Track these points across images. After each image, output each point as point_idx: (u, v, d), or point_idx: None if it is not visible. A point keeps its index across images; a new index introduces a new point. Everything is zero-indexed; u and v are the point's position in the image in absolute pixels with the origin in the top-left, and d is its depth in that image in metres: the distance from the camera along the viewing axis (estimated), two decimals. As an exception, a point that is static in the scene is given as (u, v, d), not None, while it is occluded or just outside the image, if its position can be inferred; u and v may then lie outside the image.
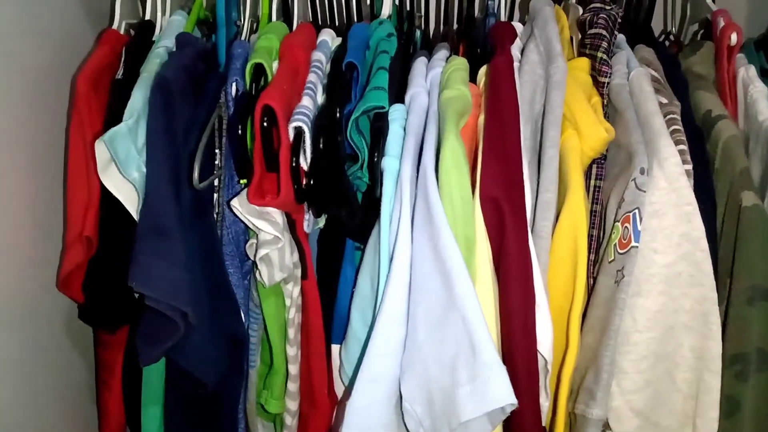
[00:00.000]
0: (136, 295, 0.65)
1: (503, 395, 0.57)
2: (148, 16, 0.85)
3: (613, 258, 0.70)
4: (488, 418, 0.60)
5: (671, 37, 0.96)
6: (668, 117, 0.71)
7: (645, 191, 0.68)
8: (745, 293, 0.66)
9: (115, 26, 0.84)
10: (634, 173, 0.69)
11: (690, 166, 0.69)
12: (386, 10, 0.86)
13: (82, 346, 0.89)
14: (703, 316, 0.67)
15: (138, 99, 0.67)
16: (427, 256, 0.65)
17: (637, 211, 0.68)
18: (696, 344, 0.68)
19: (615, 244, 0.70)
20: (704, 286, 0.67)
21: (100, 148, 0.64)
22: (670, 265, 0.67)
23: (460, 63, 0.75)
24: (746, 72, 0.80)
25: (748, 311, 0.66)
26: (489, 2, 0.87)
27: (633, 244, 0.67)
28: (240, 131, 0.67)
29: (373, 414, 0.65)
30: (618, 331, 0.67)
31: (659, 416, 0.69)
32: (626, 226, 0.69)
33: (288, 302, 0.82)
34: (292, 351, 0.84)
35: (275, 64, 0.74)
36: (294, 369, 0.85)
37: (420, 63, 0.78)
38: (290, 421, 0.87)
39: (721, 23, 0.82)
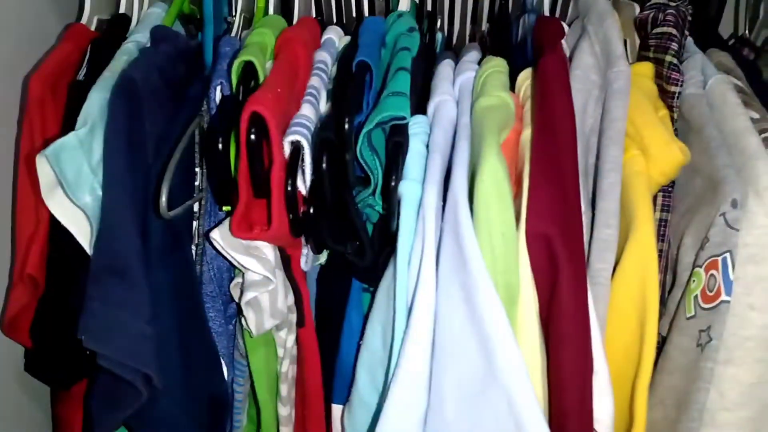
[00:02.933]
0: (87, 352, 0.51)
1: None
2: (122, 9, 0.72)
3: (693, 313, 0.56)
4: None
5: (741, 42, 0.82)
6: (763, 136, 0.57)
7: (738, 229, 0.53)
8: None
9: (84, 21, 0.71)
10: (723, 206, 0.54)
11: (796, 197, 0.54)
12: (403, 6, 0.72)
13: (39, 396, 0.75)
14: (812, 393, 0.52)
15: (94, 103, 0.53)
16: (458, 309, 0.51)
17: (728, 255, 0.53)
18: (803, 428, 0.53)
19: (696, 296, 0.56)
20: (814, 355, 0.52)
21: (43, 165, 0.50)
22: (771, 326, 0.52)
23: (499, 64, 0.61)
24: None
25: None
26: (528, -5, 0.74)
27: (723, 297, 0.53)
28: (221, 145, 0.53)
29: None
30: (703, 409, 0.52)
31: None
32: (712, 274, 0.54)
33: (281, 353, 0.68)
34: (285, 411, 0.70)
35: (269, 64, 0.60)
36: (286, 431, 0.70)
37: (446, 66, 0.65)
38: (283, 493, 0.72)
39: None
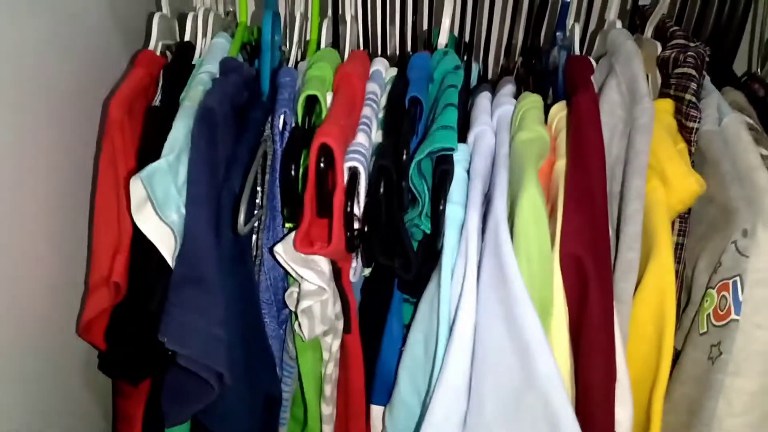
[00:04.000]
0: (169, 352, 0.57)
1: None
2: (187, 38, 0.78)
3: (705, 330, 0.62)
4: None
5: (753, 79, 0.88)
6: (772, 170, 0.63)
7: (748, 256, 0.59)
8: None
9: (151, 47, 0.77)
10: (735, 235, 0.61)
11: (801, 229, 0.60)
12: (443, 39, 0.78)
13: (99, 394, 0.81)
14: (810, 404, 0.58)
15: (180, 132, 0.60)
16: (497, 321, 0.57)
17: (738, 278, 0.59)
18: (803, 435, 0.59)
19: (709, 314, 0.62)
20: (814, 369, 0.58)
21: (136, 186, 0.57)
22: (776, 343, 0.58)
23: (536, 100, 0.67)
24: None
25: None
26: (558, 33, 0.80)
27: (733, 316, 0.59)
28: (293, 172, 0.59)
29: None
30: (713, 416, 0.59)
31: None
32: (724, 295, 0.60)
33: (326, 356, 0.75)
34: (328, 410, 0.76)
35: (329, 96, 0.67)
36: (329, 430, 0.77)
37: (484, 98, 0.71)
38: (323, 487, 0.78)
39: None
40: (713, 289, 0.62)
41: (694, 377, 0.62)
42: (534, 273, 0.58)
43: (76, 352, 0.75)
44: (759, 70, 0.86)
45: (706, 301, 0.62)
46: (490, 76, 0.86)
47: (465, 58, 0.80)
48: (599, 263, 0.58)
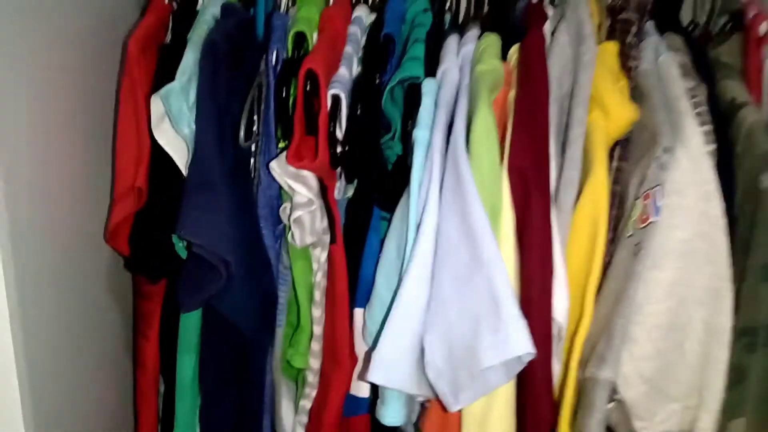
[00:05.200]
0: (182, 243, 0.70)
1: (523, 344, 0.61)
2: (191, -13, 0.89)
3: (631, 233, 0.73)
4: (505, 369, 0.65)
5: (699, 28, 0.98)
6: (694, 100, 0.74)
7: (668, 169, 0.70)
8: (760, 271, 0.69)
9: (161, -5, 0.88)
10: (658, 152, 0.72)
11: (713, 147, 0.71)
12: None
13: (121, 299, 0.94)
14: (715, 292, 0.70)
15: (190, 59, 0.72)
16: (454, 220, 0.68)
17: (658, 188, 0.71)
18: (707, 318, 0.71)
19: (634, 220, 0.73)
20: (719, 264, 0.70)
21: (156, 103, 0.69)
22: (688, 241, 0.70)
23: (493, 39, 0.78)
24: (773, 62, 0.82)
25: (762, 288, 0.69)
26: (521, -16, 0.90)
27: (652, 219, 0.70)
28: (284, 94, 0.71)
29: (397, 364, 0.70)
30: (633, 300, 0.70)
31: (666, 384, 0.72)
32: (646, 203, 0.72)
33: (315, 266, 0.86)
34: (318, 312, 0.88)
35: (315, 35, 0.78)
36: (318, 329, 0.89)
37: (452, 40, 0.81)
38: (312, 378, 0.91)
39: (751, 13, 0.84)
40: (639, 198, 0.73)
41: (621, 273, 0.73)
42: (485, 182, 0.69)
43: (101, 260, 0.88)
44: (706, 19, 0.96)
45: (634, 210, 0.74)
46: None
47: (438, 8, 0.89)
48: (539, 174, 0.70)
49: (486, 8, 0.91)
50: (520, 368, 0.66)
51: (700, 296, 0.71)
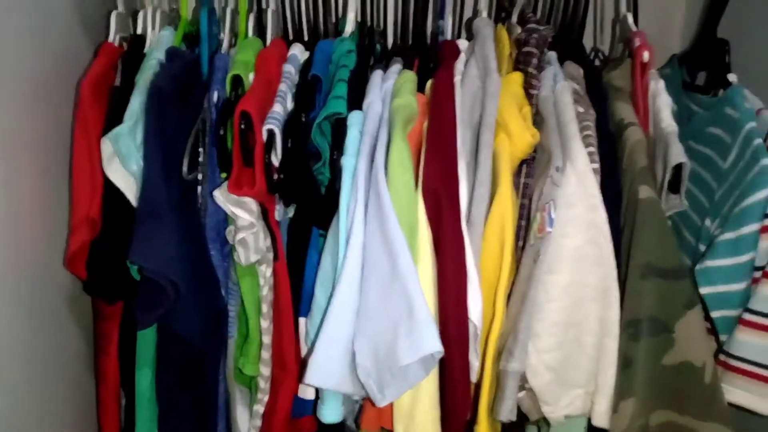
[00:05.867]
0: (135, 268, 0.78)
1: (432, 344, 0.71)
2: (139, 31, 0.97)
3: (533, 242, 0.84)
4: (422, 365, 0.74)
5: (600, 54, 1.10)
6: (582, 123, 0.85)
7: (559, 186, 0.81)
8: (639, 270, 0.80)
9: (110, 39, 0.96)
10: (551, 171, 0.83)
11: (597, 165, 0.82)
12: (349, 27, 0.99)
13: (81, 319, 1.01)
14: (605, 291, 0.81)
15: (136, 104, 0.80)
16: (377, 238, 0.78)
17: (552, 202, 0.81)
18: (599, 314, 0.81)
19: (534, 231, 0.84)
20: (606, 266, 0.80)
21: (105, 145, 0.77)
22: (578, 248, 0.80)
23: (410, 76, 0.88)
24: (656, 85, 0.94)
25: (642, 285, 0.79)
26: (440, 21, 1.01)
27: (547, 230, 0.81)
28: (222, 132, 0.80)
29: (331, 367, 0.78)
30: (535, 301, 0.81)
31: (568, 373, 0.83)
32: (543, 215, 0.82)
33: (262, 281, 0.95)
34: (265, 323, 0.97)
35: (251, 75, 0.87)
36: (267, 339, 0.97)
37: (377, 75, 0.91)
38: (263, 384, 0.99)
39: (637, 43, 0.96)
40: (538, 212, 0.84)
41: (525, 277, 0.83)
42: (402, 204, 0.78)
43: (62, 284, 0.95)
44: (605, 46, 1.09)
45: (534, 221, 0.85)
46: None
47: (368, 41, 1.00)
48: (449, 193, 0.80)
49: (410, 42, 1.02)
50: (434, 364, 0.76)
51: (593, 295, 0.81)
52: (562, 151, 0.83)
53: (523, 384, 0.84)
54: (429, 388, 0.81)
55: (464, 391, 0.82)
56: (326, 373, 0.79)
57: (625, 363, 0.80)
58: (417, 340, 0.72)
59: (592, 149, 0.83)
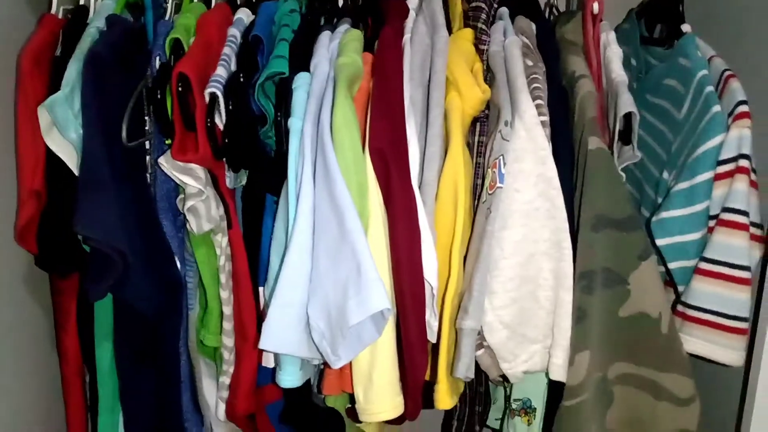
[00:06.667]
0: (80, 238, 0.77)
1: (380, 301, 0.70)
2: (81, 2, 0.95)
3: (485, 199, 0.83)
4: (374, 324, 0.74)
5: (555, 10, 1.08)
6: (531, 77, 0.83)
7: (508, 140, 0.80)
8: (590, 221, 0.79)
9: (53, 11, 0.94)
10: (500, 126, 0.82)
11: (546, 118, 0.81)
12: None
13: (40, 297, 1.00)
14: (557, 244, 0.80)
15: (72, 71, 0.79)
16: (325, 201, 0.77)
17: (501, 157, 0.80)
18: (553, 267, 0.81)
19: (486, 187, 0.83)
20: (558, 219, 0.80)
21: (43, 114, 0.76)
22: (529, 202, 0.80)
23: (355, 35, 0.86)
24: (606, 37, 0.92)
25: (593, 236, 0.79)
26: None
27: (498, 185, 0.80)
28: (159, 96, 0.78)
29: (286, 332, 0.78)
30: (488, 258, 0.80)
31: (525, 328, 0.82)
32: (493, 171, 0.82)
33: (218, 251, 0.94)
34: (225, 294, 0.96)
35: (192, 39, 0.85)
36: (227, 309, 0.97)
37: (324, 36, 0.89)
38: (228, 355, 0.99)
39: (587, -6, 0.94)
40: (489, 168, 0.83)
41: (479, 235, 0.83)
42: (349, 165, 0.77)
43: (18, 262, 0.94)
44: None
45: (486, 178, 0.84)
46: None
47: (317, 2, 0.97)
48: (397, 153, 0.79)
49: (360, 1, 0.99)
50: (385, 323, 0.75)
51: (545, 249, 0.81)
52: (511, 105, 0.82)
53: (481, 342, 0.83)
54: (386, 349, 0.80)
55: (421, 352, 0.81)
56: (281, 339, 0.78)
57: (579, 315, 0.80)
58: (365, 298, 0.71)
59: (540, 102, 0.82)
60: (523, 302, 0.82)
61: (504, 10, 0.95)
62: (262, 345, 0.78)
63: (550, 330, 0.83)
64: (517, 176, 0.80)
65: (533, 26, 0.95)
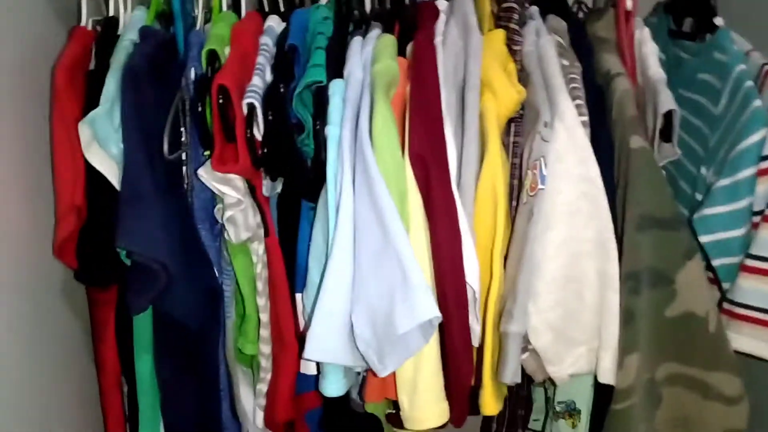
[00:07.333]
0: (122, 253, 0.77)
1: (429, 309, 0.70)
2: (111, 13, 0.95)
3: (525, 201, 0.82)
4: (421, 332, 0.73)
5: (584, 7, 1.07)
6: (569, 77, 0.83)
7: (548, 141, 0.80)
8: (635, 221, 0.78)
9: (83, 24, 0.94)
10: (539, 127, 0.81)
11: (586, 118, 0.80)
12: (323, -4, 0.96)
13: (77, 309, 1.00)
14: (602, 244, 0.79)
15: (111, 86, 0.79)
16: (366, 206, 0.76)
17: (542, 158, 0.80)
18: (598, 267, 0.80)
19: (527, 189, 0.82)
20: (602, 219, 0.79)
21: (83, 129, 0.76)
22: (572, 203, 0.79)
23: (388, 40, 0.86)
24: (641, 33, 0.91)
25: (639, 236, 0.78)
26: (417, -17, 0.98)
27: (540, 186, 0.79)
28: (200, 109, 0.78)
29: (329, 341, 0.78)
30: (532, 259, 0.80)
31: (571, 330, 0.82)
32: (534, 173, 0.81)
33: (255, 259, 0.94)
34: (262, 301, 0.96)
35: (227, 50, 0.85)
36: (264, 317, 0.97)
37: (356, 42, 0.89)
38: (265, 363, 0.99)
39: (620, -10, 0.94)
40: (529, 170, 0.82)
41: (520, 236, 0.82)
42: (389, 170, 0.77)
43: (56, 275, 0.94)
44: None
45: (526, 179, 0.83)
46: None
47: (345, 8, 0.97)
48: (437, 157, 0.78)
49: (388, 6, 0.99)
50: (433, 331, 0.74)
51: (589, 249, 0.80)
52: (550, 106, 0.81)
53: (525, 345, 0.83)
54: (431, 355, 0.80)
55: (466, 357, 0.81)
56: (325, 347, 0.78)
57: (627, 317, 0.79)
58: (413, 307, 0.70)
59: (580, 102, 0.81)
60: (568, 304, 0.81)
61: (535, 10, 0.95)
62: (306, 355, 0.78)
63: (595, 331, 0.82)
64: (558, 177, 0.79)
65: (564, 25, 0.94)
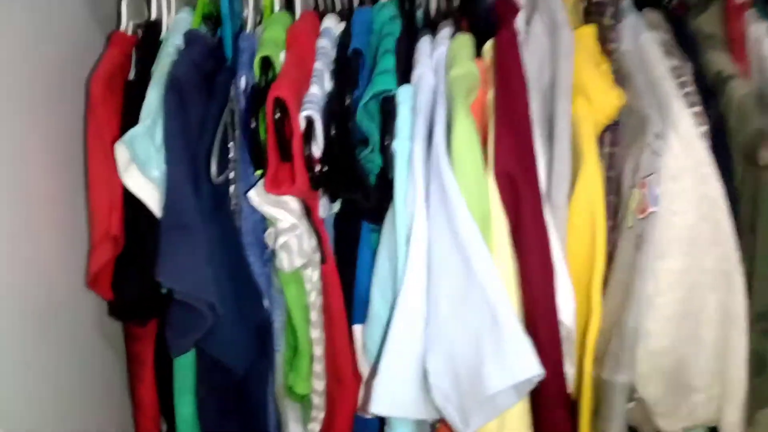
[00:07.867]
0: (164, 290, 0.67)
1: (530, 367, 0.58)
2: (153, 16, 0.86)
3: (631, 224, 0.71)
4: (515, 390, 0.62)
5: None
6: (680, 80, 0.71)
7: (661, 155, 0.68)
8: (771, 255, 0.66)
9: (122, 28, 0.85)
10: (649, 138, 0.69)
11: (705, 128, 0.68)
12: (386, -7, 0.85)
13: (113, 341, 0.91)
14: (725, 275, 0.68)
15: (153, 99, 0.69)
16: (444, 234, 0.66)
17: (653, 176, 0.68)
18: (720, 303, 0.68)
19: (633, 211, 0.70)
20: (725, 245, 0.67)
21: (121, 150, 0.66)
22: (691, 227, 0.67)
23: (466, 40, 0.75)
24: (757, 28, 0.79)
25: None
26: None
27: (651, 209, 0.68)
28: (254, 124, 0.68)
29: (401, 390, 0.67)
30: (642, 294, 0.68)
31: (686, 376, 0.70)
32: (644, 192, 0.69)
33: (308, 287, 0.84)
34: (316, 333, 0.86)
35: (282, 54, 0.74)
36: (319, 350, 0.86)
37: (424, 42, 0.78)
38: (318, 400, 0.88)
39: (730, -21, 0.81)
40: (636, 188, 0.70)
41: (625, 265, 0.71)
42: (471, 190, 0.66)
43: (88, 304, 0.85)
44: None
45: (631, 199, 0.71)
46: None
47: (408, 5, 0.86)
48: (527, 175, 0.67)
49: (457, 2, 0.88)
50: (530, 387, 0.63)
51: (711, 281, 0.68)
52: (660, 113, 0.69)
53: (631, 394, 0.71)
54: (519, 408, 0.68)
55: (560, 407, 0.70)
56: (395, 399, 0.67)
57: (759, 364, 0.67)
58: (509, 364, 0.59)
59: (698, 109, 0.69)
60: (684, 345, 0.70)
61: (628, 2, 0.82)
62: (374, 408, 0.67)
63: (715, 377, 0.70)
64: (674, 197, 0.67)
65: (662, 19, 0.81)
